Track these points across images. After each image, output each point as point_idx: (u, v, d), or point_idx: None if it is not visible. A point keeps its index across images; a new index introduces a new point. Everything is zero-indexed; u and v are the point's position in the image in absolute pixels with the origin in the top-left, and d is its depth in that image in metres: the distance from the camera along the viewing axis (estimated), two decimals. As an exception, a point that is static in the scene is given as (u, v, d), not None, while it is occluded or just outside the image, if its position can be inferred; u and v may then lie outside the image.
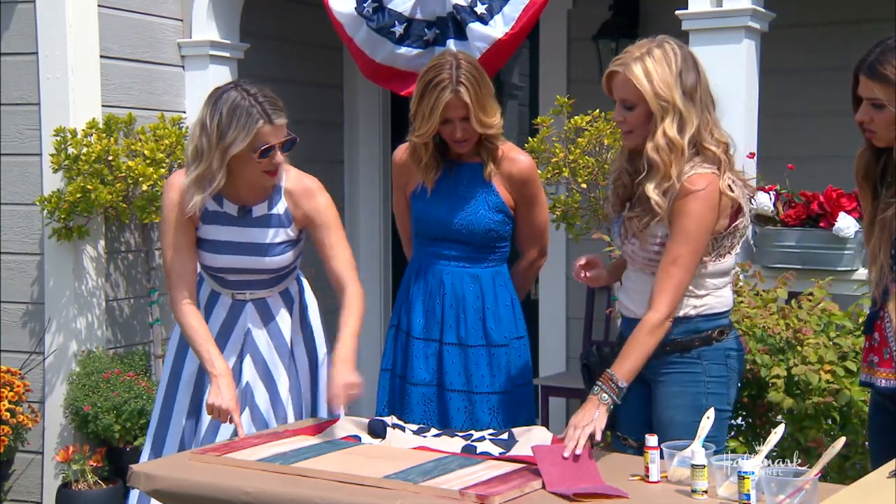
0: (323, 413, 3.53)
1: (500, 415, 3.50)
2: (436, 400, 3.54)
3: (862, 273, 4.31)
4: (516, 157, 3.55)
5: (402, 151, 3.65)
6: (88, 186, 4.96)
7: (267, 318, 3.47)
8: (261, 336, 3.45)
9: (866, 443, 3.62)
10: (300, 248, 3.48)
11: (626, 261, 3.14)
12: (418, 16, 4.81)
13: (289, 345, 3.49)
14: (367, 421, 3.15)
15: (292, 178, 3.41)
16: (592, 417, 2.80)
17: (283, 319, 3.49)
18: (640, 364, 2.91)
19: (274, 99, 3.26)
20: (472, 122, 3.42)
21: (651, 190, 2.92)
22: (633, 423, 3.08)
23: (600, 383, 2.87)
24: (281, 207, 3.38)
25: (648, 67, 2.91)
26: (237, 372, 3.40)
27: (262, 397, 3.41)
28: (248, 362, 3.43)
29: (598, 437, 2.81)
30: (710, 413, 2.78)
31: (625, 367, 2.89)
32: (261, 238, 3.37)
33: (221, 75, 5.64)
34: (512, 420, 3.47)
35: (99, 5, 5.26)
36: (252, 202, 3.37)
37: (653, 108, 2.91)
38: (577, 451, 2.71)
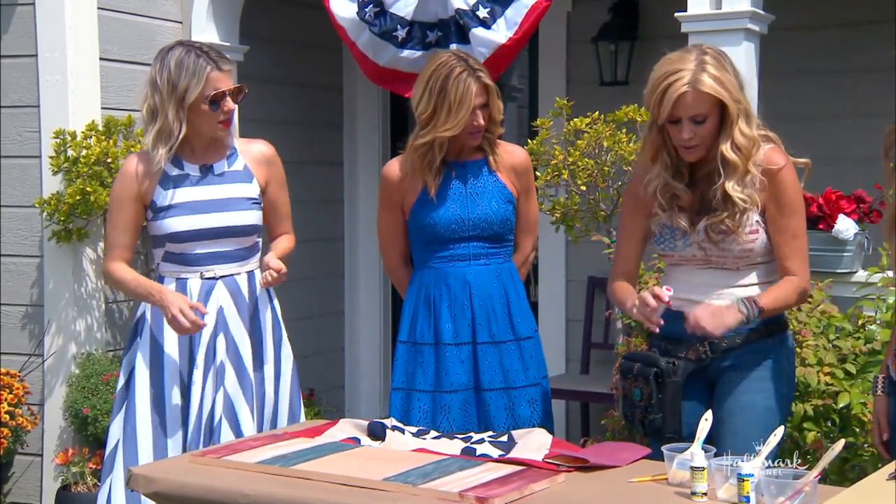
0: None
1: (538, 406, 3.53)
2: (474, 403, 3.53)
3: (861, 275, 4.31)
4: (513, 150, 3.65)
5: (393, 167, 3.62)
6: (88, 189, 4.96)
7: (236, 294, 3.50)
8: (232, 314, 3.49)
9: (866, 444, 3.62)
10: (261, 217, 3.56)
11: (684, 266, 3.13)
12: (420, 19, 4.81)
13: (254, 318, 3.54)
14: (366, 423, 3.16)
15: (243, 141, 3.59)
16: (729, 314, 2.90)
17: (251, 297, 3.54)
18: (779, 309, 3.01)
19: (218, 50, 3.46)
20: (492, 107, 3.49)
21: (732, 189, 2.97)
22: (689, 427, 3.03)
23: (744, 300, 2.94)
24: (240, 164, 3.50)
25: (716, 75, 2.93)
26: (212, 350, 3.45)
27: (230, 379, 3.46)
28: (220, 340, 3.47)
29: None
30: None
31: (769, 302, 2.96)
32: (224, 194, 3.46)
33: (221, 77, 5.65)
34: (547, 411, 3.51)
35: (99, 7, 5.26)
36: (211, 161, 3.48)
37: (731, 112, 2.95)
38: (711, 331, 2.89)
